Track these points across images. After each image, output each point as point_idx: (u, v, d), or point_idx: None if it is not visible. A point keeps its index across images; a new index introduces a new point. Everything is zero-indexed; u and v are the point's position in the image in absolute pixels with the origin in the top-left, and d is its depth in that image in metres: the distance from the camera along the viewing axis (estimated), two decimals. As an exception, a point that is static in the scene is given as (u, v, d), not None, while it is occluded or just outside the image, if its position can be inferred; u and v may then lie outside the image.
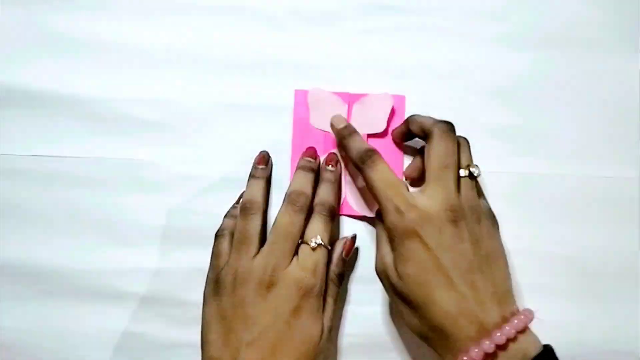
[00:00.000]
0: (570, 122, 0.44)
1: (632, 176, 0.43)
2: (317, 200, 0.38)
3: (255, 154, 0.42)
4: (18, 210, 0.42)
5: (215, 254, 0.38)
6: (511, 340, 0.31)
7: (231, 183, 0.42)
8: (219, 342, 0.34)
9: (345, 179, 0.42)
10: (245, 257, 0.35)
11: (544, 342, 0.33)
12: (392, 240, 0.34)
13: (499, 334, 0.31)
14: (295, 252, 0.36)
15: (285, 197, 0.37)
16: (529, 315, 0.33)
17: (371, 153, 0.36)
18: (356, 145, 0.37)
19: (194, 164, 0.42)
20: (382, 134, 0.42)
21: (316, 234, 0.36)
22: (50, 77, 0.43)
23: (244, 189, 0.40)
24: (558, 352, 0.32)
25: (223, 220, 0.40)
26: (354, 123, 0.41)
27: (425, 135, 0.37)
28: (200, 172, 0.42)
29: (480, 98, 0.44)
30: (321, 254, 0.35)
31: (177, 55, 0.43)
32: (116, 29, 0.43)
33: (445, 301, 0.32)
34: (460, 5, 0.44)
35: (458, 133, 0.44)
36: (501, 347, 0.31)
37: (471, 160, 0.37)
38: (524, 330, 0.32)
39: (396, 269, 0.34)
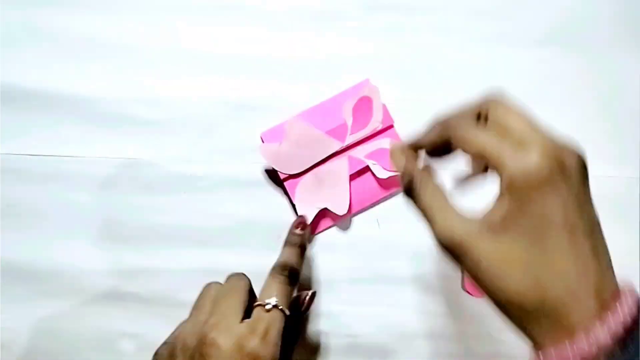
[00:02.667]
0: (570, 121, 0.44)
1: (633, 176, 0.43)
2: (276, 262, 0.36)
3: (255, 155, 0.42)
4: (18, 210, 0.42)
5: (197, 304, 0.36)
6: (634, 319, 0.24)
7: (231, 183, 0.42)
8: None
9: (348, 178, 0.42)
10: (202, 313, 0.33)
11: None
12: (509, 187, 0.26)
13: (624, 310, 0.25)
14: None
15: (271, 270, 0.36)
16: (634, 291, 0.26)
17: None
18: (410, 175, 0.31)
19: (194, 163, 0.42)
20: (386, 129, 0.42)
21: (271, 295, 0.33)
22: (51, 77, 0.43)
23: (244, 190, 0.40)
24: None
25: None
26: (355, 124, 0.41)
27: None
28: (200, 172, 0.42)
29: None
30: (276, 316, 0.32)
31: (176, 55, 0.43)
32: (116, 29, 0.43)
33: (567, 269, 0.25)
34: (460, 4, 0.44)
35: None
36: (628, 327, 0.24)
37: None
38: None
39: (493, 231, 0.26)
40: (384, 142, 0.42)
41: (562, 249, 0.26)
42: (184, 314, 0.41)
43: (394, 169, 0.35)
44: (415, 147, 0.32)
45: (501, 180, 0.26)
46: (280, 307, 0.32)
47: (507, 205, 0.26)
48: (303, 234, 0.39)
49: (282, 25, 0.44)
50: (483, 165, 0.32)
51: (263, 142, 0.42)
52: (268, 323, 0.32)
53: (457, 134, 0.29)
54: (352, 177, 0.42)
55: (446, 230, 0.27)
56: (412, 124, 0.43)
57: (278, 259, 0.37)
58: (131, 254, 0.41)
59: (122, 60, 0.43)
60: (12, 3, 0.43)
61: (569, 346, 0.24)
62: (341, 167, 0.42)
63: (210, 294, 0.34)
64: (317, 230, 0.42)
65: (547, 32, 0.44)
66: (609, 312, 0.25)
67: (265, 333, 0.31)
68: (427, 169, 0.31)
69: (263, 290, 0.34)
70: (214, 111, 0.43)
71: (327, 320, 0.41)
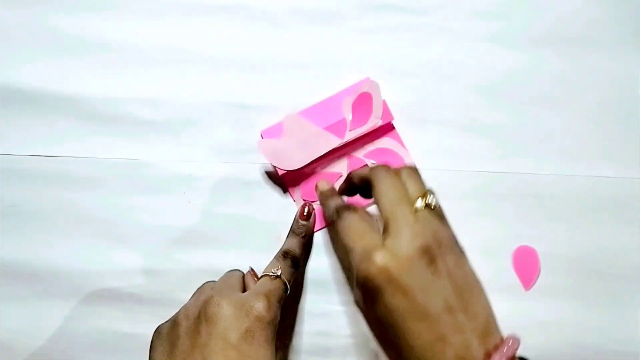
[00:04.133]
0: (570, 121, 0.44)
1: (633, 176, 0.43)
2: (281, 249, 0.38)
3: (254, 154, 0.42)
4: (18, 210, 0.42)
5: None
6: None
7: (231, 183, 0.42)
8: None
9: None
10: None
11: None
12: (362, 286, 0.30)
13: None
14: None
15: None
16: (514, 344, 0.30)
17: (340, 209, 0.33)
18: (332, 205, 0.35)
19: (193, 164, 0.42)
20: (386, 127, 0.42)
21: (277, 267, 0.36)
22: (51, 77, 0.43)
23: (244, 190, 0.40)
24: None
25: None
26: (355, 120, 0.41)
27: (368, 185, 0.33)
28: (200, 172, 0.42)
29: (481, 97, 0.44)
30: (279, 284, 0.35)
31: (176, 55, 0.43)
32: (116, 29, 0.43)
33: (419, 345, 0.29)
34: (458, 4, 0.44)
35: (457, 132, 0.44)
36: None
37: (424, 189, 0.33)
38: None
39: (374, 322, 0.30)
40: (383, 142, 0.42)
41: (417, 335, 0.29)
42: (184, 314, 0.41)
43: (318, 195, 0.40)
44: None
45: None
46: (283, 279, 0.35)
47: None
48: (307, 224, 0.40)
49: (282, 25, 0.44)
50: None
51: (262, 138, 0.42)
52: (271, 288, 0.34)
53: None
54: None
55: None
56: (411, 123, 0.43)
57: (282, 246, 0.39)
58: (131, 254, 0.41)
59: (122, 61, 0.43)
60: (13, 3, 0.43)
61: None
62: (341, 166, 0.42)
63: (208, 285, 0.36)
64: (316, 229, 0.42)
65: (547, 32, 0.44)
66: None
67: (268, 296, 0.33)
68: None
69: (267, 267, 0.36)
70: (213, 111, 0.43)
71: (327, 320, 0.41)
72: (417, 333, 0.29)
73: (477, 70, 0.44)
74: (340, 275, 0.42)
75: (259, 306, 0.32)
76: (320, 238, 0.42)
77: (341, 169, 0.42)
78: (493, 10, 0.44)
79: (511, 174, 0.43)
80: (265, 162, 0.42)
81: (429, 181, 0.43)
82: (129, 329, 0.41)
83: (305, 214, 0.40)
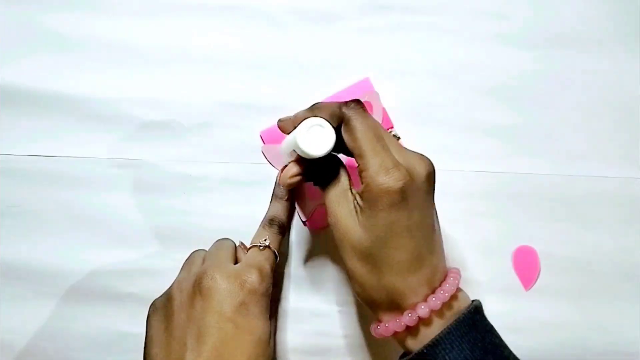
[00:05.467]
0: (571, 122, 0.44)
1: (634, 176, 0.43)
2: (265, 216, 0.39)
3: (254, 154, 0.42)
4: (18, 210, 0.42)
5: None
6: (453, 297, 0.32)
7: (231, 183, 0.42)
8: (161, 355, 0.32)
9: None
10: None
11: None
12: (366, 196, 0.31)
13: (442, 292, 0.31)
14: None
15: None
16: (458, 272, 0.33)
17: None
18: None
19: (193, 164, 0.42)
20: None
21: (264, 237, 0.36)
22: (51, 77, 0.43)
23: (244, 190, 0.40)
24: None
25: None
26: None
27: (338, 122, 0.32)
28: (200, 172, 0.42)
29: (481, 97, 0.44)
30: (269, 255, 0.35)
31: (176, 55, 0.43)
32: (116, 29, 0.43)
33: (402, 261, 0.31)
34: (460, 4, 0.44)
35: (457, 132, 0.44)
36: (445, 305, 0.31)
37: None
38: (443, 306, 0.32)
39: (363, 227, 0.31)
40: None
41: (400, 246, 0.31)
42: (184, 314, 0.41)
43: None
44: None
45: (363, 186, 0.31)
46: (272, 249, 0.35)
47: (364, 204, 0.31)
48: (284, 188, 0.40)
49: (282, 25, 0.44)
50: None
51: (263, 140, 0.42)
52: (262, 259, 0.34)
53: (344, 128, 0.33)
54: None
55: (330, 211, 0.33)
56: (410, 123, 0.43)
57: (266, 213, 0.39)
58: (131, 254, 0.41)
59: (121, 61, 0.43)
60: (13, 3, 0.43)
61: (398, 321, 0.31)
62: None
63: (198, 254, 0.36)
64: (316, 228, 0.42)
65: (547, 32, 0.44)
66: (432, 295, 0.31)
67: (261, 268, 0.33)
68: None
69: (254, 237, 0.36)
70: (213, 111, 0.43)
71: (327, 320, 0.41)
72: (405, 247, 0.31)
73: (478, 70, 0.44)
74: (340, 275, 0.42)
75: (252, 279, 0.33)
76: (320, 238, 0.42)
77: None
78: (494, 11, 0.44)
79: (511, 174, 0.43)
80: (264, 162, 0.42)
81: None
82: (128, 329, 0.41)
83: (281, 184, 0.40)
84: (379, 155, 0.31)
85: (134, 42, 0.43)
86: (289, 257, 0.42)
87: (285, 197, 0.40)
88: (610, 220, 0.43)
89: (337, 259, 0.42)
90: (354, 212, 0.32)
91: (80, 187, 0.42)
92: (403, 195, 0.30)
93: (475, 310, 0.31)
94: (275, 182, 0.41)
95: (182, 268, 0.36)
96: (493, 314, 0.42)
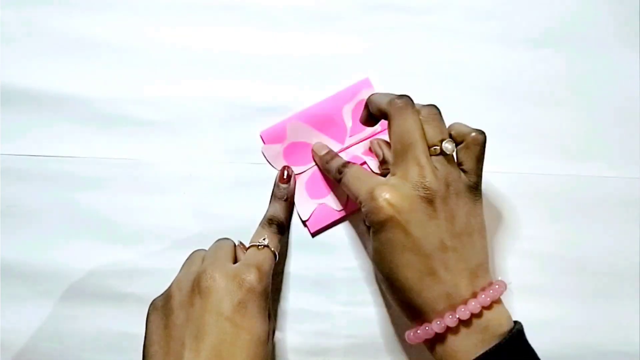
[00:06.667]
0: (571, 121, 0.44)
1: (634, 176, 0.43)
2: (264, 216, 0.39)
3: (255, 155, 0.42)
4: (18, 210, 0.42)
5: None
6: (475, 315, 0.32)
7: (231, 183, 0.42)
8: (160, 354, 0.32)
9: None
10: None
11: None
12: (370, 227, 0.34)
13: (463, 309, 0.31)
14: None
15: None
16: (500, 288, 0.33)
17: (343, 166, 0.38)
18: (334, 166, 0.39)
19: (193, 164, 0.42)
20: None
21: (263, 236, 0.37)
22: (50, 77, 0.43)
23: (244, 191, 0.40)
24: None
25: None
26: (355, 126, 0.41)
27: (385, 116, 0.35)
28: (199, 172, 0.42)
29: (481, 97, 0.44)
30: (267, 254, 0.35)
31: (176, 55, 0.43)
32: (116, 29, 0.43)
33: (411, 278, 0.32)
34: (459, 4, 0.44)
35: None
36: (465, 322, 0.32)
37: (444, 133, 0.34)
38: (492, 305, 0.32)
39: (374, 251, 0.34)
40: (382, 137, 0.43)
41: (406, 265, 0.32)
42: (184, 314, 0.41)
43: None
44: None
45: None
46: (271, 248, 0.35)
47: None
48: (288, 187, 0.40)
49: (282, 25, 0.44)
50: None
51: (263, 140, 0.42)
52: (261, 259, 0.34)
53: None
54: None
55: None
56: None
57: (265, 213, 0.39)
58: (131, 254, 0.41)
59: (121, 60, 0.43)
60: (12, 3, 0.43)
61: (419, 332, 0.33)
62: None
63: (198, 254, 0.36)
64: (316, 228, 0.42)
65: (547, 32, 0.44)
66: (448, 312, 0.32)
67: (259, 267, 0.33)
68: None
69: (253, 237, 0.37)
70: (213, 111, 0.43)
71: (327, 320, 0.41)
72: (411, 265, 0.32)
73: (477, 70, 0.44)
74: (340, 275, 0.42)
75: (251, 278, 0.32)
76: (321, 237, 0.42)
77: None
78: (493, 10, 0.44)
79: (511, 173, 0.43)
80: (264, 162, 0.42)
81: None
82: (129, 329, 0.41)
83: (285, 177, 0.41)
84: (399, 168, 0.33)
85: (134, 42, 0.43)
86: (289, 257, 0.42)
87: (285, 197, 0.40)
88: (610, 220, 0.43)
89: (339, 258, 0.42)
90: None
91: (80, 187, 0.42)
92: (395, 217, 0.32)
93: (518, 335, 0.32)
94: (275, 182, 0.41)
95: (182, 267, 0.36)
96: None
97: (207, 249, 0.37)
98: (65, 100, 0.42)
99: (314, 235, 0.42)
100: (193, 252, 0.37)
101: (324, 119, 0.42)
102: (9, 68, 0.43)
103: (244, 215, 0.41)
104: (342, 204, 0.41)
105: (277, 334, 0.41)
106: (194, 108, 0.43)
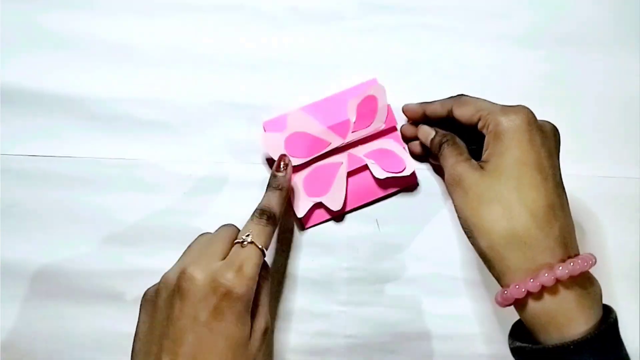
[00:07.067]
0: (570, 121, 0.44)
1: (634, 176, 0.43)
2: (258, 206, 0.36)
3: (255, 155, 0.42)
4: (17, 210, 0.42)
5: None
6: (565, 281, 0.31)
7: (232, 183, 0.42)
8: (142, 352, 0.32)
9: (344, 175, 0.42)
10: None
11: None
12: (492, 140, 0.34)
13: (560, 268, 0.30)
14: None
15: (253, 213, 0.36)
16: (590, 260, 0.32)
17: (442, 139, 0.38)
18: (435, 141, 0.39)
19: (193, 164, 0.42)
20: (389, 128, 0.42)
21: (248, 232, 0.34)
22: (50, 77, 0.43)
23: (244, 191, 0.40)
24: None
25: None
26: (358, 122, 0.41)
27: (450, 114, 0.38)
28: (200, 172, 0.42)
29: (482, 96, 0.43)
30: (252, 251, 0.33)
31: (176, 55, 0.43)
32: (115, 29, 0.43)
33: (538, 205, 0.32)
34: (461, 4, 0.44)
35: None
36: (553, 287, 0.31)
37: None
38: (580, 275, 0.31)
39: (492, 171, 0.33)
40: (385, 143, 0.42)
41: (533, 186, 0.32)
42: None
43: (424, 138, 0.40)
44: (421, 113, 0.41)
45: (489, 131, 0.34)
46: (256, 244, 0.33)
47: (492, 149, 0.33)
48: (284, 176, 0.38)
49: (283, 25, 0.44)
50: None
51: (265, 131, 0.42)
52: (243, 258, 0.33)
53: (456, 104, 0.37)
54: (350, 174, 0.42)
55: (453, 168, 0.35)
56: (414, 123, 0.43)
57: (259, 202, 0.37)
58: (131, 254, 0.41)
59: (121, 61, 0.43)
60: (12, 2, 0.43)
61: (532, 281, 0.31)
62: (340, 163, 0.42)
63: (199, 240, 0.36)
64: (311, 224, 0.42)
65: (551, 32, 0.44)
66: (569, 260, 0.31)
67: (240, 267, 0.32)
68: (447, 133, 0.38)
69: (241, 231, 0.35)
70: (214, 111, 0.43)
71: (327, 320, 0.41)
72: (537, 188, 0.32)
73: (478, 69, 0.44)
74: (340, 275, 0.42)
75: (229, 281, 0.31)
76: (321, 237, 0.42)
77: (339, 165, 0.42)
78: (495, 10, 0.44)
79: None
80: (264, 162, 0.42)
81: (429, 179, 0.43)
82: (129, 329, 0.40)
83: (282, 166, 0.39)
84: (496, 105, 0.35)
85: (134, 42, 0.43)
86: (289, 256, 0.42)
87: (280, 186, 0.38)
88: (610, 220, 0.43)
89: (339, 258, 0.42)
90: (476, 165, 0.34)
91: (80, 187, 0.42)
92: (529, 130, 0.33)
93: (615, 323, 0.32)
94: (272, 172, 0.39)
95: (184, 252, 0.36)
96: (494, 312, 0.42)
97: (213, 231, 0.36)
98: (65, 100, 0.42)
99: (314, 233, 0.42)
100: (199, 236, 0.36)
101: (327, 111, 0.42)
102: (9, 69, 0.43)
103: (244, 215, 0.41)
104: (339, 204, 0.41)
105: (275, 333, 0.41)
106: (194, 108, 0.43)
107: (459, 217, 0.34)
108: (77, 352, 0.41)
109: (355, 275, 0.42)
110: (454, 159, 0.35)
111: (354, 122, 0.41)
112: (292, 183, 0.41)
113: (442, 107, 0.39)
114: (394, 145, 0.42)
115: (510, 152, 0.32)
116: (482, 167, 0.34)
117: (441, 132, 0.39)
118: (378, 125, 0.41)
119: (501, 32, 0.44)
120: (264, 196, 0.38)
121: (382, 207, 0.42)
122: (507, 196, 0.32)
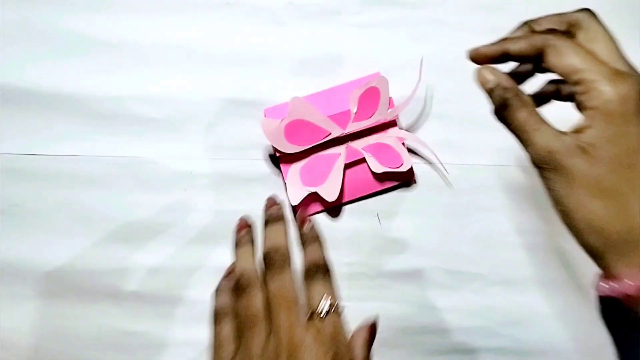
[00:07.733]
0: (572, 116, 0.44)
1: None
2: (305, 264, 0.35)
3: (256, 151, 0.42)
4: (18, 209, 0.42)
5: (217, 344, 0.33)
6: None
7: (232, 180, 0.42)
8: None
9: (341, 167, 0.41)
10: (256, 342, 0.31)
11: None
12: (595, 117, 0.27)
13: None
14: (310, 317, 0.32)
15: (263, 259, 0.35)
16: None
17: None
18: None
19: (194, 161, 0.42)
20: (389, 122, 0.42)
21: (320, 299, 0.32)
22: (50, 76, 0.43)
23: (245, 187, 0.40)
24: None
25: (215, 299, 0.36)
26: (359, 113, 0.41)
27: (537, 52, 0.30)
28: (201, 169, 0.42)
29: (481, 91, 0.44)
30: (335, 318, 0.32)
31: (177, 53, 0.43)
32: (115, 28, 0.44)
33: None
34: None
35: (458, 126, 0.44)
36: None
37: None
38: None
39: (594, 154, 0.27)
40: (384, 137, 0.42)
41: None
42: (185, 313, 0.41)
43: (481, 85, 0.34)
44: (500, 54, 0.33)
45: (593, 105, 0.27)
46: (333, 308, 0.31)
47: (601, 131, 0.27)
48: (312, 230, 0.38)
49: (282, 20, 0.44)
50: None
51: (265, 116, 0.42)
52: (331, 329, 0.31)
53: (551, 48, 0.29)
54: (348, 167, 0.42)
55: (544, 146, 0.28)
56: (411, 117, 0.44)
57: (302, 261, 0.35)
58: (131, 253, 0.41)
59: (121, 59, 0.43)
60: (12, 3, 0.43)
61: None
62: (338, 155, 0.42)
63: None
64: (306, 214, 0.41)
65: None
66: None
67: (333, 338, 0.30)
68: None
69: (311, 297, 0.32)
70: (214, 108, 0.43)
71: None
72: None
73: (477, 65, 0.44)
74: (341, 270, 0.41)
75: (331, 350, 0.29)
76: (322, 232, 0.42)
77: (337, 157, 0.42)
78: (493, 4, 0.45)
79: (512, 167, 0.43)
80: (265, 158, 0.42)
81: (429, 177, 0.43)
82: (130, 327, 0.41)
83: (305, 225, 0.38)
84: (603, 66, 0.28)
85: (134, 40, 0.43)
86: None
87: (314, 237, 0.37)
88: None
89: (340, 253, 0.42)
90: (575, 145, 0.28)
91: (81, 186, 0.42)
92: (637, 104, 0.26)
93: None
94: (300, 232, 0.38)
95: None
96: (494, 307, 0.42)
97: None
98: (66, 99, 0.43)
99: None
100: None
101: (329, 101, 0.42)
102: (9, 68, 0.43)
103: (245, 212, 0.41)
104: (334, 196, 0.40)
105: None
106: (195, 105, 0.43)
107: (557, 207, 0.29)
108: (78, 351, 0.40)
109: (356, 270, 0.42)
110: (538, 131, 0.29)
111: (355, 113, 0.41)
112: (289, 170, 0.41)
113: (530, 46, 0.31)
114: (392, 140, 0.42)
115: (626, 138, 0.27)
116: (582, 147, 0.27)
117: (504, 81, 0.32)
118: (379, 117, 0.41)
119: (500, 25, 0.44)
120: (307, 251, 0.36)
121: (383, 201, 0.43)
122: (623, 190, 0.27)
